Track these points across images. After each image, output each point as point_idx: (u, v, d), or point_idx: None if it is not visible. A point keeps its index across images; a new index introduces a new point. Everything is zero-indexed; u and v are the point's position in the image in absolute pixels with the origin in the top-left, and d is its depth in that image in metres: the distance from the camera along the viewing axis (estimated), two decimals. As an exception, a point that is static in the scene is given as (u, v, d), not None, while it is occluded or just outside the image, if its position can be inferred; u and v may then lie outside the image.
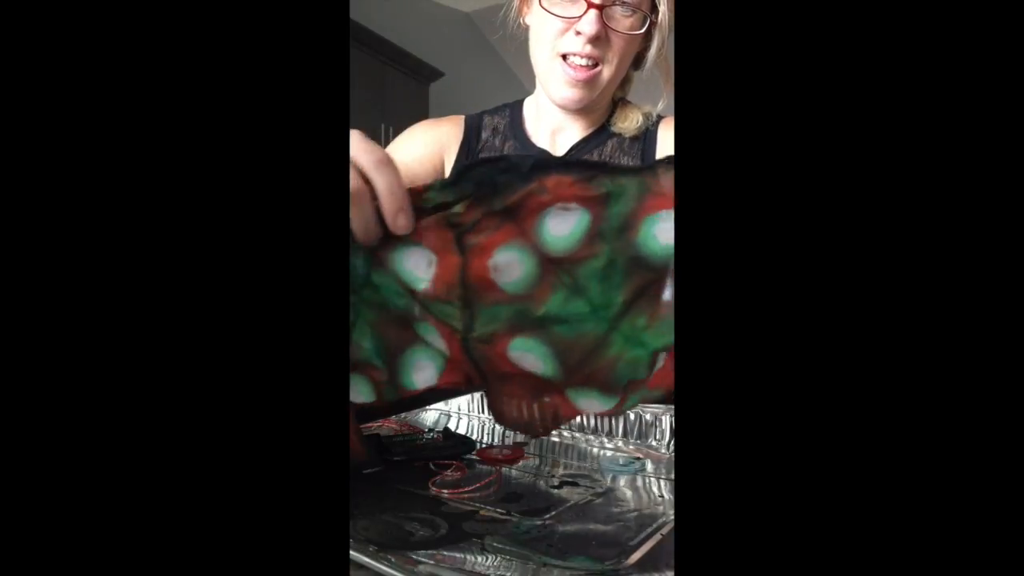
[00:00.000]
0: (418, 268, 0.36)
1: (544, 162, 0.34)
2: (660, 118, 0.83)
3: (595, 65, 0.72)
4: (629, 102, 0.84)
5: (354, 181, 0.33)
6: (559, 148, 0.83)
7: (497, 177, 0.34)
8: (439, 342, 0.39)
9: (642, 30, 0.72)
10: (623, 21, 0.71)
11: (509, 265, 0.35)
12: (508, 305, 0.36)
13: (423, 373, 0.40)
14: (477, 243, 0.35)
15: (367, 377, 0.41)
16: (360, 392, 0.41)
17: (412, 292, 0.37)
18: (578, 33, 0.70)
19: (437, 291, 0.36)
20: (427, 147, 0.83)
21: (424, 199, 0.35)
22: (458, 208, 0.35)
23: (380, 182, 0.33)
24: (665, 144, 0.80)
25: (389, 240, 0.36)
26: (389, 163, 0.34)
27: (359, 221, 0.34)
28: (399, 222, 0.34)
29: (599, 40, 0.70)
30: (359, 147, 0.34)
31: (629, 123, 0.81)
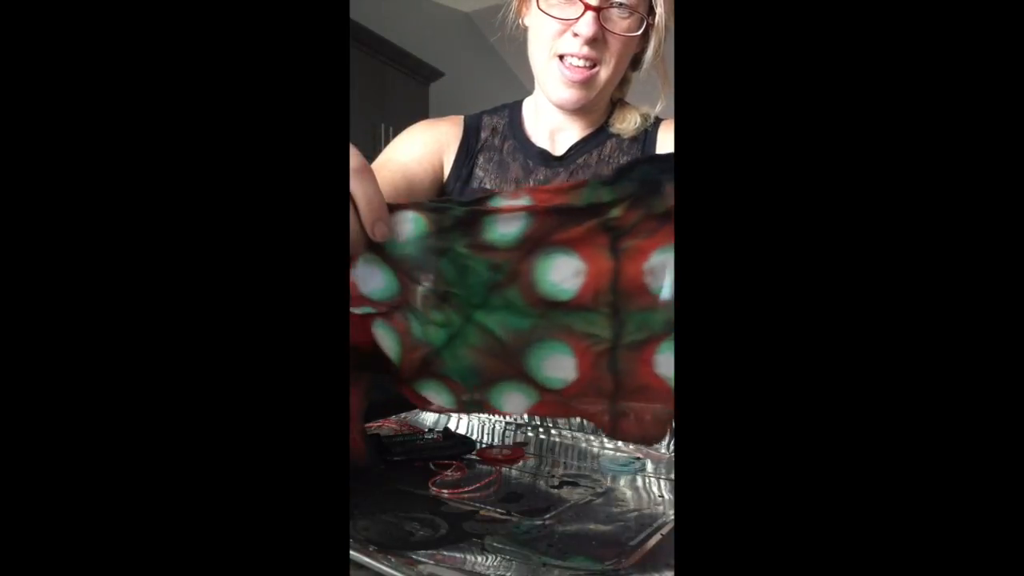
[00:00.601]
0: (564, 279, 0.35)
1: None
2: (659, 120, 0.83)
3: (592, 66, 0.72)
4: (627, 103, 0.85)
5: None
6: (558, 148, 0.83)
7: (662, 177, 0.32)
8: (562, 365, 0.37)
9: (639, 32, 0.72)
10: (620, 23, 0.71)
11: (666, 268, 0.34)
12: (662, 311, 0.35)
13: (513, 402, 0.40)
14: (633, 246, 0.34)
15: (449, 388, 0.41)
16: (440, 397, 0.41)
17: (549, 304, 0.36)
18: (575, 35, 0.70)
19: (584, 300, 0.35)
20: (426, 147, 0.83)
21: (575, 196, 0.33)
22: (616, 212, 0.33)
23: (358, 191, 0.33)
24: (665, 146, 0.80)
25: (532, 252, 0.34)
26: (367, 171, 0.34)
27: None
28: (377, 230, 0.34)
29: (596, 42, 0.70)
30: None
31: (627, 124, 0.81)
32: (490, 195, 0.35)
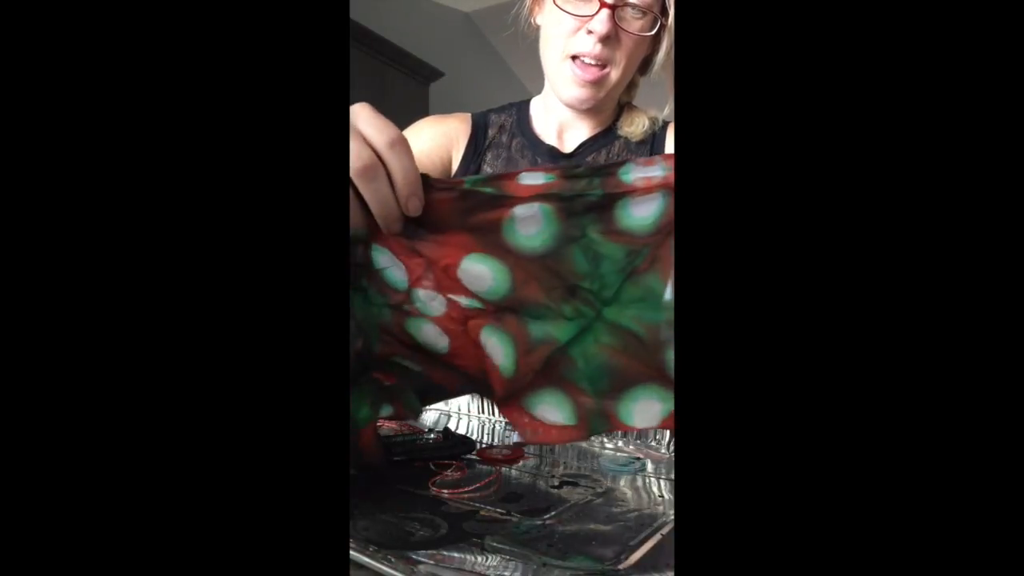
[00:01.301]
0: None
1: None
2: (667, 124, 0.83)
3: (604, 66, 0.73)
4: (635, 107, 0.85)
5: (367, 157, 0.32)
6: (567, 146, 0.83)
7: None
8: None
9: (652, 32, 0.73)
10: (634, 23, 0.71)
11: None
12: None
13: (646, 412, 0.36)
14: None
15: (572, 399, 0.37)
16: (559, 412, 0.37)
17: None
18: (590, 32, 0.70)
19: None
20: (434, 141, 0.83)
21: None
22: None
23: (395, 163, 0.32)
24: (672, 149, 0.80)
25: (673, 235, 0.31)
26: (403, 144, 0.33)
27: (377, 200, 0.33)
28: (411, 205, 0.33)
29: (609, 40, 0.71)
30: (372, 124, 0.32)
31: (635, 127, 0.81)
32: (621, 163, 0.32)
